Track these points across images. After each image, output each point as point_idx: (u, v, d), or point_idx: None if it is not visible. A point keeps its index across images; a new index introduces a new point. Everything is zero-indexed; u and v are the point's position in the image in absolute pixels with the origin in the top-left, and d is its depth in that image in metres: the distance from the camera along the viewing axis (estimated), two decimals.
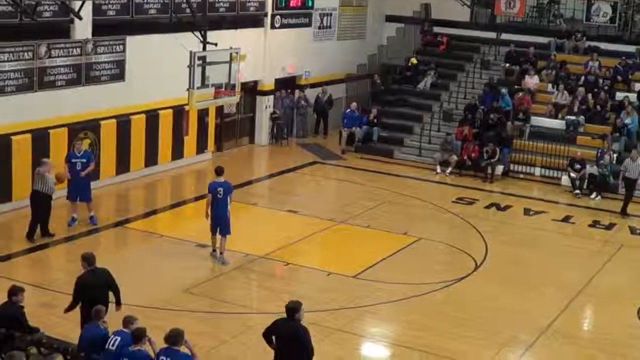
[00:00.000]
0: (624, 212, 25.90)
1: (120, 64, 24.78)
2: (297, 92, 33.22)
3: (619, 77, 32.75)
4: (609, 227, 24.70)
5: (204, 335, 15.39)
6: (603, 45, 34.83)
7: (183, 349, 11.76)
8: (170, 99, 25.71)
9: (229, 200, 19.33)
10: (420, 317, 17.27)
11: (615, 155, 28.87)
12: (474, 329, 16.79)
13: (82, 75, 23.64)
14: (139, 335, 11.85)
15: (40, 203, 19.95)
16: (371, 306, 17.62)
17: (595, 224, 24.92)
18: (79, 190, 21.19)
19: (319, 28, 33.75)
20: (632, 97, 31.42)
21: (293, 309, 12.42)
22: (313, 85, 33.48)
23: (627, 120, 30.04)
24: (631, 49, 34.55)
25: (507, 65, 34.47)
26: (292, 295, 16.98)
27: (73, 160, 21.22)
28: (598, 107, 31.30)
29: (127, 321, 12.37)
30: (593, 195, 27.64)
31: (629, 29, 36.25)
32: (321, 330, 15.57)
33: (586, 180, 27.95)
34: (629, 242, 23.49)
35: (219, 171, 19.50)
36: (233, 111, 30.20)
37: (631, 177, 26.35)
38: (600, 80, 32.46)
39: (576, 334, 17.39)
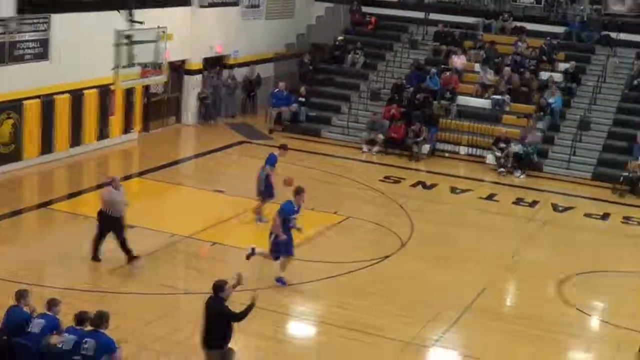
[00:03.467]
0: None
1: (44, 43, 24.38)
2: (225, 71, 33.02)
3: (544, 57, 33.22)
4: (533, 204, 25.12)
5: (129, 316, 15.29)
6: (529, 26, 35.30)
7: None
8: (96, 79, 25.37)
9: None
10: (347, 295, 17.37)
11: (539, 134, 29.33)
12: (400, 306, 16.97)
13: (5, 54, 23.20)
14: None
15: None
16: (299, 285, 17.67)
17: (519, 201, 25.32)
18: None
19: (247, 7, 33.55)
20: (557, 76, 31.93)
21: (218, 287, 12.56)
22: (241, 65, 33.33)
23: (551, 100, 30.52)
24: (556, 29, 35.04)
25: (435, 44, 34.74)
26: (219, 275, 16.98)
27: None
28: (523, 87, 31.73)
29: (51, 304, 12.26)
30: (517, 173, 28.06)
31: (555, 10, 36.77)
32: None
33: (511, 159, 28.34)
34: (551, 219, 23.93)
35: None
36: (160, 91, 29.97)
37: None
38: (526, 60, 32.89)
39: (500, 310, 17.68)
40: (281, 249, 17.29)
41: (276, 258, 17.50)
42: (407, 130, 29.64)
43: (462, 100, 31.73)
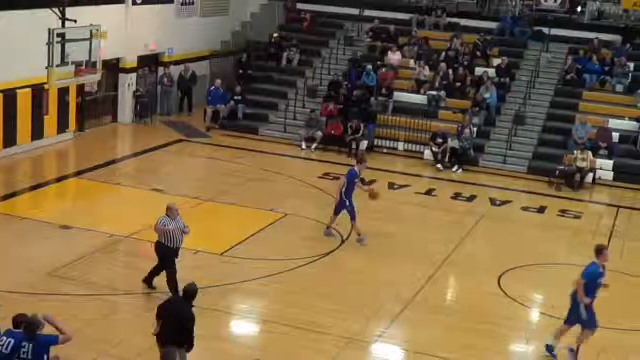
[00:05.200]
0: None
1: None
2: (160, 69, 32.76)
3: (479, 53, 33.56)
4: (471, 199, 25.36)
5: (70, 318, 15.04)
6: (463, 22, 35.66)
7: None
8: (29, 78, 24.95)
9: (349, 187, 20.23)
10: (288, 292, 17.35)
11: (475, 129, 29.64)
12: (341, 302, 16.99)
13: None
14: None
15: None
16: (240, 283, 17.60)
17: (457, 196, 25.54)
18: None
19: (182, 4, 33.30)
20: (491, 72, 32.27)
21: (192, 293, 12.71)
22: (177, 63, 33.10)
23: (487, 95, 30.86)
24: (490, 25, 35.44)
25: (371, 41, 34.86)
26: (159, 276, 16.87)
27: None
28: (458, 82, 32.01)
29: None
30: (455, 169, 28.32)
31: (487, 6, 37.17)
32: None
33: (448, 154, 28.58)
34: (489, 213, 24.18)
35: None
36: (95, 89, 29.63)
37: None
38: (461, 56, 33.18)
39: (441, 304, 17.80)
40: None
41: None
42: (345, 127, 29.70)
43: (399, 96, 31.91)
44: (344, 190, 20.17)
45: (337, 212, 20.57)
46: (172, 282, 16.12)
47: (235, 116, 31.72)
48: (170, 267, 16.26)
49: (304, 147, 29.65)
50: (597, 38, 33.83)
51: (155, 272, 16.62)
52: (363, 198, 21.17)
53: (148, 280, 16.70)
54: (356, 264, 19.31)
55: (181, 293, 13.06)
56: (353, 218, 20.31)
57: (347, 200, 20.22)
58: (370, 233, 21.32)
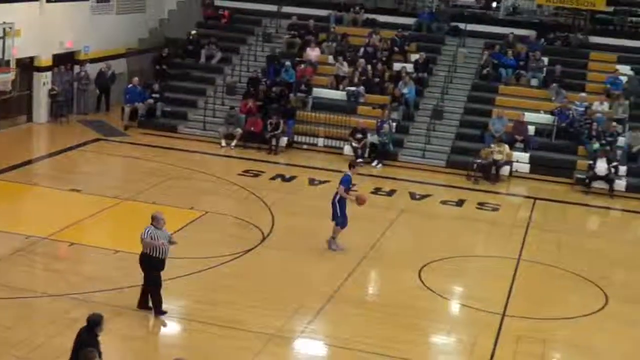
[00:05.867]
0: None
1: None
2: (76, 67, 32.27)
3: (396, 49, 33.81)
4: (390, 193, 25.56)
5: None
6: (380, 18, 35.89)
7: None
8: None
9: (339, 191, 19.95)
10: (210, 290, 17.26)
11: (394, 124, 29.86)
12: (264, 299, 16.96)
13: None
14: None
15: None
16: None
17: (377, 190, 25.70)
18: None
19: (98, 1, 32.86)
20: (409, 67, 32.53)
21: (94, 322, 12.19)
22: (93, 61, 32.62)
23: (405, 90, 31.11)
24: (407, 20, 35.73)
25: (289, 37, 34.87)
26: (79, 276, 16.66)
27: None
28: (377, 78, 32.21)
29: None
30: (374, 163, 28.49)
31: (405, 2, 37.48)
32: (112, 310, 15.28)
33: (367, 149, 28.75)
34: (409, 207, 24.40)
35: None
36: (8, 89, 28.97)
37: None
38: (379, 52, 33.39)
39: (362, 298, 17.90)
40: None
41: None
42: (264, 124, 29.66)
43: (318, 92, 31.97)
44: (337, 197, 19.97)
45: (341, 225, 20.14)
46: (155, 295, 15.72)
47: (154, 114, 31.43)
48: (159, 278, 15.77)
49: (223, 144, 29.51)
50: (512, 33, 34.37)
51: (147, 291, 15.91)
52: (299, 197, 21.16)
53: (142, 303, 15.97)
54: (277, 260, 19.30)
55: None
56: (342, 226, 20.03)
57: (340, 209, 19.94)
58: (291, 229, 21.38)
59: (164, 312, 15.80)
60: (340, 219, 19.87)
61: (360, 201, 19.99)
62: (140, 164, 26.88)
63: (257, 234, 20.74)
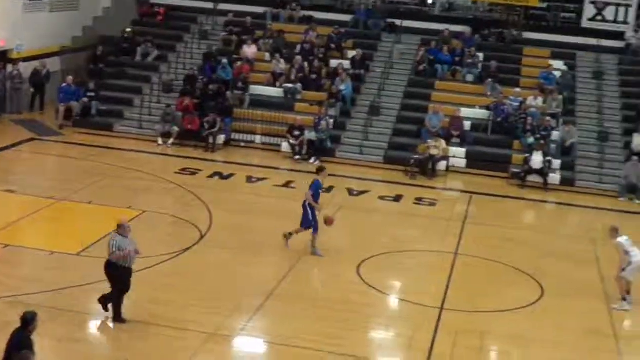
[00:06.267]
0: None
1: None
2: (9, 66, 31.74)
3: (333, 45, 33.86)
4: (329, 190, 25.52)
5: None
6: (317, 15, 35.92)
7: None
8: None
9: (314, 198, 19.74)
10: (149, 290, 17.06)
11: (331, 121, 29.92)
12: (203, 297, 16.87)
13: None
14: None
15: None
16: (98, 283, 17.17)
17: None
18: None
19: None
20: (346, 64, 32.62)
21: (25, 320, 12.01)
22: (26, 59, 32.12)
23: (342, 87, 31.20)
24: (344, 17, 35.81)
25: (226, 35, 34.72)
26: (13, 279, 16.40)
27: None
28: (314, 75, 32.24)
29: None
30: (312, 160, 28.52)
31: None
32: (49, 312, 15.05)
33: (305, 146, 28.77)
34: (347, 203, 24.45)
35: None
36: None
37: None
38: (316, 49, 33.42)
39: (301, 295, 17.85)
40: None
41: None
42: (201, 122, 29.51)
43: (255, 89, 31.90)
44: (307, 202, 19.78)
45: (306, 227, 19.89)
46: (116, 300, 15.41)
47: (89, 113, 31.06)
48: (124, 286, 15.46)
49: (160, 142, 29.29)
50: (447, 29, 34.65)
51: (111, 296, 15.57)
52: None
53: (104, 304, 15.58)
54: (217, 259, 19.21)
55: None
56: (315, 230, 19.81)
57: (311, 212, 19.74)
58: (229, 227, 21.30)
59: (124, 321, 15.51)
60: (311, 223, 19.62)
61: (328, 222, 19.74)
62: (75, 164, 26.57)
63: (195, 233, 20.62)
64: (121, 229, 15.48)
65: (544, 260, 20.86)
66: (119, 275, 15.38)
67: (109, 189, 23.87)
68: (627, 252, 17.79)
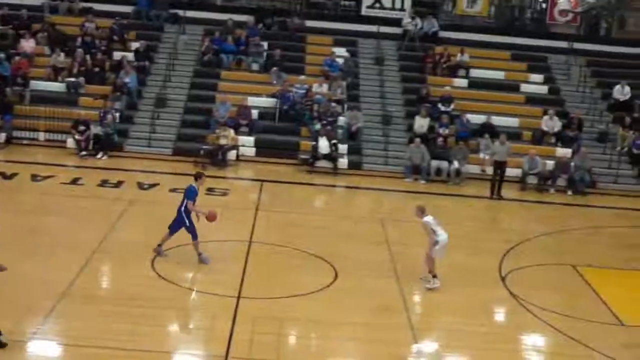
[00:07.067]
0: (499, 195, 27.50)
1: None
2: None
3: (115, 37, 33.23)
4: (118, 184, 25.16)
5: None
6: (97, 6, 35.11)
7: None
8: None
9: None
10: None
11: (117, 114, 29.40)
12: None
13: None
14: None
15: None
16: None
17: (104, 183, 25.24)
18: None
19: None
20: (130, 56, 32.11)
21: None
22: None
23: (127, 79, 30.71)
24: (125, 9, 35.19)
25: (1, 29, 33.40)
26: None
27: None
28: (97, 68, 31.55)
29: None
30: (99, 155, 27.95)
31: None
32: None
33: (91, 141, 28.13)
34: (138, 197, 24.14)
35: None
36: None
37: (500, 159, 27.75)
38: (97, 41, 32.68)
39: (95, 293, 17.44)
40: None
41: None
42: None
43: (36, 85, 30.92)
44: (182, 208, 18.95)
45: (172, 231, 19.17)
46: None
47: None
48: None
49: None
50: (230, 19, 34.71)
51: None
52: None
53: None
54: (4, 262, 18.38)
55: None
56: (194, 237, 19.03)
57: (187, 219, 18.93)
58: (17, 228, 20.51)
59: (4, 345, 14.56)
60: (189, 228, 18.98)
61: (210, 217, 19.07)
62: None
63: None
64: None
65: (336, 243, 21.32)
66: None
67: None
68: (434, 232, 18.33)
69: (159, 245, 19.31)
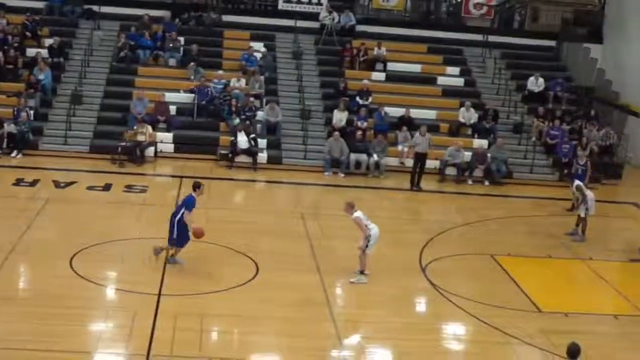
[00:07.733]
0: (418, 187, 27.65)
1: None
2: None
3: (29, 34, 32.65)
4: (33, 183, 24.73)
5: None
6: (9, 2, 34.47)
7: None
8: None
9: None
10: None
11: (32, 112, 28.90)
12: None
13: None
14: None
15: None
16: None
17: (19, 182, 24.82)
18: None
19: None
20: (44, 52, 31.58)
21: None
22: None
23: (41, 76, 30.20)
24: (37, 4, 34.57)
25: None
26: None
27: None
28: (10, 65, 30.97)
29: None
30: (14, 154, 27.45)
31: None
32: None
33: (5, 139, 27.61)
34: (54, 196, 23.75)
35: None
36: None
37: (421, 151, 27.69)
38: (10, 37, 32.06)
39: (12, 295, 17.10)
40: None
41: None
42: None
43: None
44: (178, 217, 18.36)
45: (180, 244, 18.71)
46: None
47: None
48: None
49: None
50: (146, 14, 34.34)
51: None
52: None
53: None
54: None
55: None
56: (173, 245, 18.64)
57: (177, 230, 18.39)
58: None
59: None
60: (177, 240, 18.51)
61: (196, 234, 18.43)
62: None
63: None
64: None
65: (256, 237, 21.30)
66: None
67: None
68: (366, 226, 18.35)
69: (172, 255, 18.89)
